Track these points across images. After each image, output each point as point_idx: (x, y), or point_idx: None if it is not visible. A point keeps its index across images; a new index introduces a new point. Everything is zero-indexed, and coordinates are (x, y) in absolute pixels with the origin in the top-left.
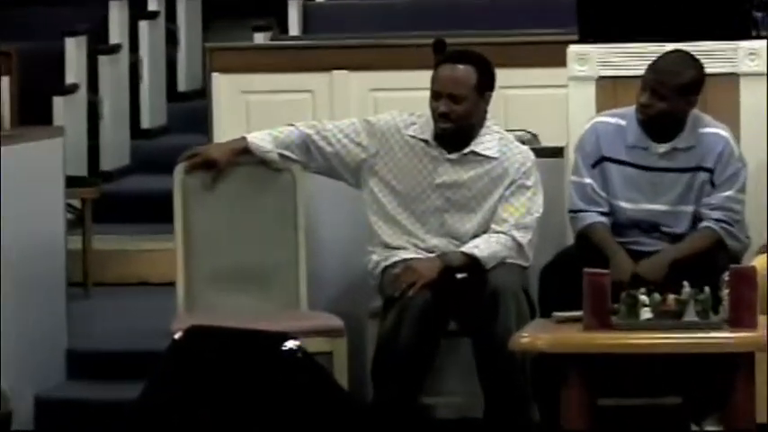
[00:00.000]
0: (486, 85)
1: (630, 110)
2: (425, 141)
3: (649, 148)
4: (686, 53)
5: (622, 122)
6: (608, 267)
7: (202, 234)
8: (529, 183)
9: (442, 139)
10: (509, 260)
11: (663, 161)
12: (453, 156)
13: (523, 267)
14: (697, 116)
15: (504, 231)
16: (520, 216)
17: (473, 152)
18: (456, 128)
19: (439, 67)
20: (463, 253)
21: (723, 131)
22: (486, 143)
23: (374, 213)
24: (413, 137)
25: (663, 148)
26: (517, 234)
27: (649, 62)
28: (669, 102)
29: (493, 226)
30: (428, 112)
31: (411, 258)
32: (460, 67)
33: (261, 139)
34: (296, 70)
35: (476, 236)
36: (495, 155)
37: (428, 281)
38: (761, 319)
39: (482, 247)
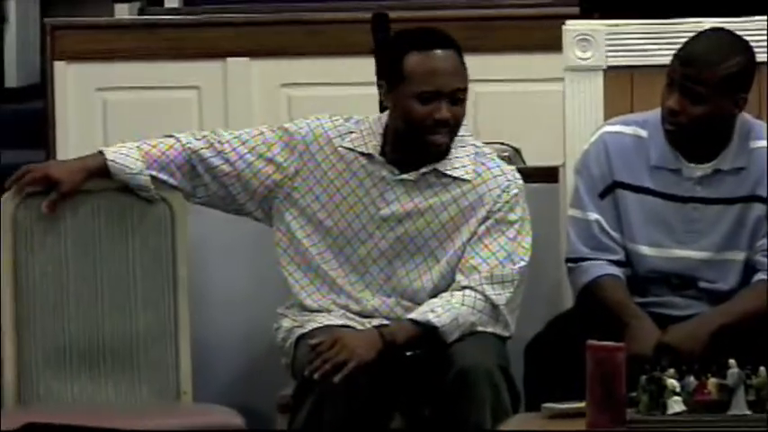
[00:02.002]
0: (467, 71)
1: (654, 115)
2: (368, 156)
3: (682, 171)
4: (730, 33)
5: (643, 133)
6: (622, 339)
7: (40, 293)
8: (512, 216)
9: (398, 153)
10: (480, 328)
11: (701, 189)
12: (409, 176)
13: (501, 339)
14: (747, 124)
15: (473, 286)
16: (496, 264)
17: (437, 171)
18: (450, 142)
19: (421, 56)
20: (413, 321)
21: None
22: (456, 160)
23: (290, 261)
24: (350, 149)
25: (701, 170)
26: (491, 291)
27: (678, 47)
28: (708, 105)
29: (458, 278)
30: (372, 117)
31: (338, 326)
32: (452, 52)
33: (125, 156)
34: (175, 58)
35: (435, 294)
36: (469, 176)
37: (362, 362)
38: None
39: (440, 312)
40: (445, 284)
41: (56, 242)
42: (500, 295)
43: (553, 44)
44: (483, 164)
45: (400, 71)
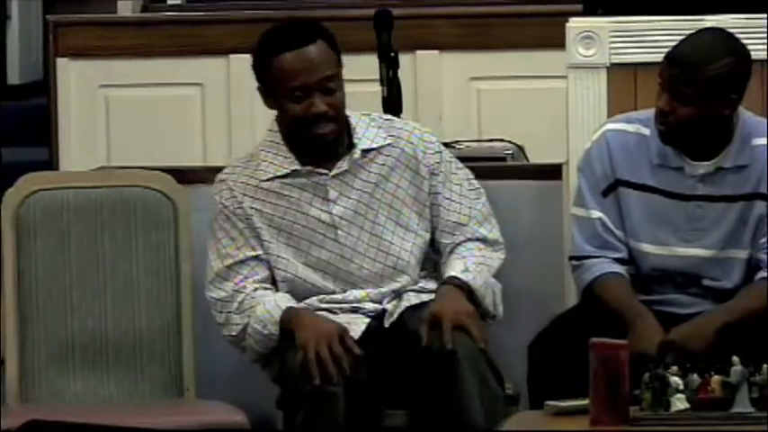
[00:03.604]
0: (339, 57)
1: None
2: (291, 174)
3: (684, 169)
4: (721, 34)
5: (645, 131)
6: (625, 336)
7: (43, 290)
8: (450, 160)
9: (309, 152)
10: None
11: (704, 186)
12: (338, 168)
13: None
14: (750, 122)
15: (470, 238)
16: (472, 209)
17: (361, 151)
18: (338, 129)
19: (284, 56)
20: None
21: None
22: (368, 134)
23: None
24: (271, 179)
25: (703, 167)
26: (486, 231)
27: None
28: (697, 106)
29: (446, 239)
30: (261, 140)
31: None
32: (314, 45)
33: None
34: (178, 54)
35: (421, 260)
36: (389, 140)
37: (341, 332)
38: None
39: (473, 271)
40: (425, 246)
41: (58, 239)
42: (493, 228)
43: (556, 41)
44: (391, 126)
45: (269, 76)
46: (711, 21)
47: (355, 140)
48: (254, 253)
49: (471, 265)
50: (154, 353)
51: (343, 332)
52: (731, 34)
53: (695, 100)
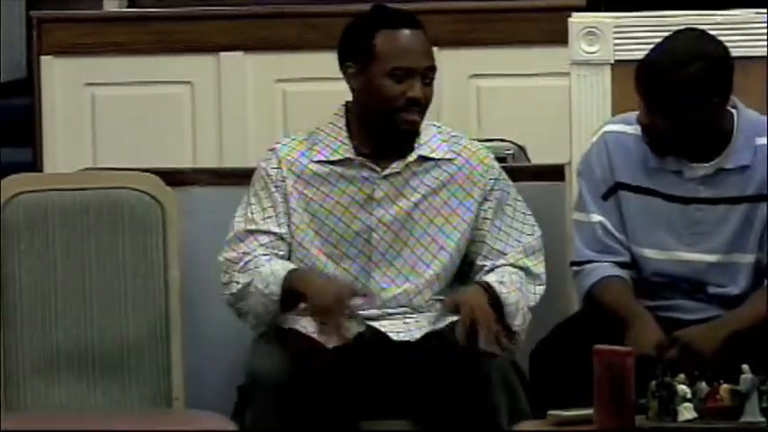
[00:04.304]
0: None
1: None
2: (344, 162)
3: (683, 172)
4: (695, 34)
5: None
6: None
7: (27, 296)
8: (512, 190)
9: (371, 145)
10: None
11: (705, 188)
12: (392, 169)
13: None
14: (752, 120)
15: (513, 263)
16: (521, 242)
17: (419, 157)
18: (421, 123)
19: (392, 34)
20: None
21: None
22: (431, 142)
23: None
24: (323, 162)
25: (703, 169)
26: (529, 262)
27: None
28: (674, 115)
29: (484, 263)
30: (326, 124)
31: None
32: (420, 32)
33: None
34: (166, 52)
35: (443, 282)
36: (449, 155)
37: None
38: None
39: (508, 283)
40: (453, 269)
41: (43, 243)
42: (539, 264)
43: (559, 37)
44: (456, 142)
45: (370, 50)
46: (719, 16)
47: (416, 145)
48: (279, 230)
49: (508, 281)
50: (141, 361)
51: (352, 292)
52: (705, 35)
53: (669, 109)
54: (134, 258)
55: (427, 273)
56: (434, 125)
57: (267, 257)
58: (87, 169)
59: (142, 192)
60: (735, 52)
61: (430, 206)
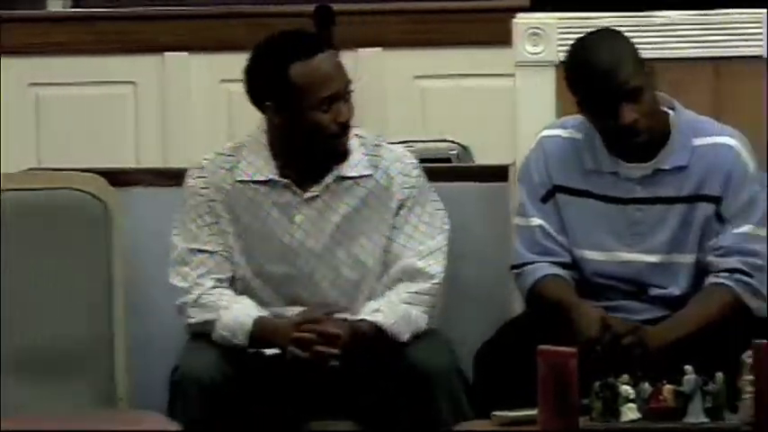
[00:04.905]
0: None
1: None
2: (267, 183)
3: (619, 173)
4: (616, 31)
5: (578, 136)
6: (574, 342)
7: None
8: (422, 198)
9: (297, 168)
10: (426, 319)
11: (642, 189)
12: (312, 192)
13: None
14: (690, 121)
15: (406, 269)
16: (421, 244)
17: (338, 177)
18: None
19: (307, 64)
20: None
21: (731, 139)
22: (351, 158)
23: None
24: (246, 182)
25: (641, 170)
26: (423, 263)
27: (633, 40)
28: (645, 100)
29: (389, 271)
30: (247, 138)
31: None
32: (327, 53)
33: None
34: (111, 52)
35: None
36: (368, 171)
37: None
38: None
39: (386, 312)
40: (382, 287)
41: None
42: (434, 264)
43: (503, 38)
44: (376, 153)
45: (288, 86)
46: (661, 17)
47: (334, 166)
48: (217, 249)
49: (385, 306)
50: (85, 361)
51: (319, 327)
52: (619, 32)
53: (640, 95)
54: (78, 258)
55: (354, 293)
56: (358, 135)
57: (217, 290)
58: (31, 169)
59: (86, 192)
60: (676, 54)
61: (351, 225)
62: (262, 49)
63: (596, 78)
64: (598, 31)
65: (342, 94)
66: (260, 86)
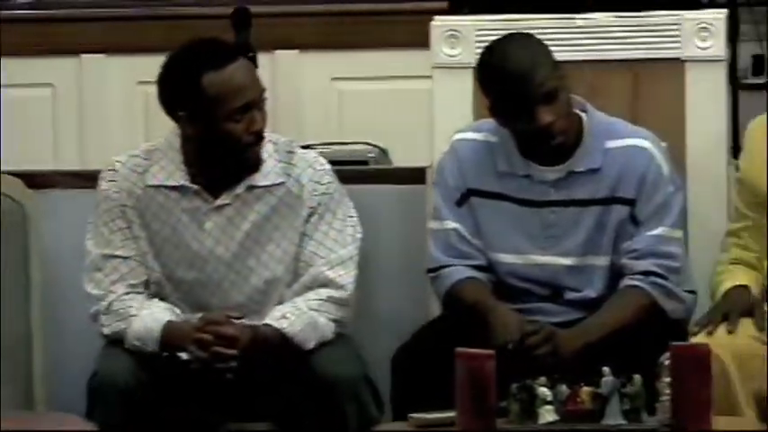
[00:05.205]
0: None
1: None
2: (178, 188)
3: (533, 175)
4: (528, 34)
5: (493, 139)
6: (491, 344)
7: None
8: (333, 204)
9: (208, 175)
10: (335, 327)
11: (556, 192)
12: (223, 200)
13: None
14: (603, 123)
15: (316, 278)
16: (332, 251)
17: (249, 186)
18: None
19: (219, 74)
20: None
21: (644, 141)
22: (263, 166)
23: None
24: (158, 186)
25: (554, 173)
26: (334, 274)
27: (551, 43)
28: (560, 100)
29: (299, 279)
30: (160, 142)
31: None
32: (239, 62)
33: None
34: (28, 54)
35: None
36: (280, 179)
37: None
38: (718, 421)
39: (292, 319)
40: (291, 294)
41: None
42: (345, 275)
43: (421, 41)
44: (289, 161)
45: (201, 97)
46: (580, 20)
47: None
48: (130, 254)
49: (291, 312)
50: (3, 364)
51: (219, 328)
52: (533, 36)
53: (555, 97)
54: None
55: (263, 300)
56: (271, 141)
57: (129, 296)
58: None
59: (3, 194)
60: (595, 56)
61: (262, 234)
62: (174, 59)
63: (512, 81)
64: (511, 35)
65: (256, 102)
66: (173, 97)
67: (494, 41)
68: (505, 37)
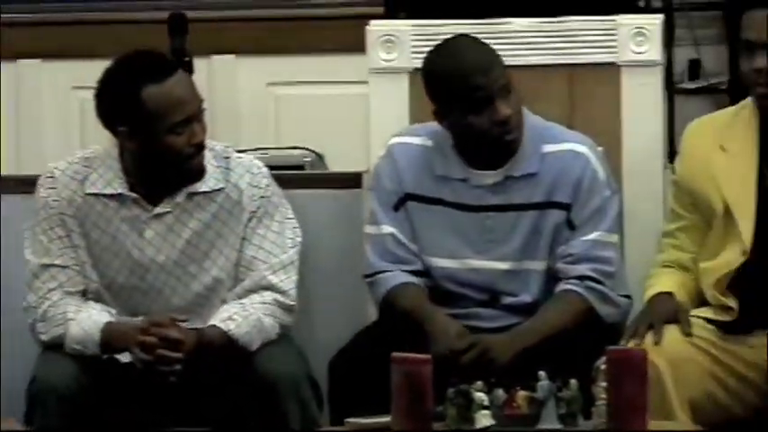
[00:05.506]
0: None
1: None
2: (117, 197)
3: (470, 179)
4: (471, 37)
5: (429, 143)
6: (427, 349)
7: None
8: (271, 208)
9: (148, 185)
10: (278, 329)
11: (493, 196)
12: (162, 208)
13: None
14: (538, 127)
15: (259, 283)
16: (272, 255)
17: (189, 194)
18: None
19: (159, 88)
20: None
21: (580, 146)
22: (202, 176)
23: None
24: (96, 195)
25: (492, 177)
26: (276, 279)
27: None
28: (512, 96)
29: (241, 283)
30: (99, 148)
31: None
32: (179, 75)
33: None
34: None
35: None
36: (220, 184)
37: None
38: (655, 425)
39: (239, 321)
40: (233, 297)
41: None
42: (287, 279)
43: (357, 45)
44: (227, 166)
45: (141, 111)
46: (517, 24)
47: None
48: (69, 263)
49: (238, 314)
50: None
51: (163, 331)
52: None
53: (510, 92)
54: None
55: (205, 304)
56: (209, 148)
57: (63, 301)
58: None
59: None
60: (531, 61)
61: (203, 240)
62: (112, 73)
63: (472, 76)
64: (455, 36)
65: (196, 115)
66: (112, 111)
67: (439, 44)
68: (450, 39)
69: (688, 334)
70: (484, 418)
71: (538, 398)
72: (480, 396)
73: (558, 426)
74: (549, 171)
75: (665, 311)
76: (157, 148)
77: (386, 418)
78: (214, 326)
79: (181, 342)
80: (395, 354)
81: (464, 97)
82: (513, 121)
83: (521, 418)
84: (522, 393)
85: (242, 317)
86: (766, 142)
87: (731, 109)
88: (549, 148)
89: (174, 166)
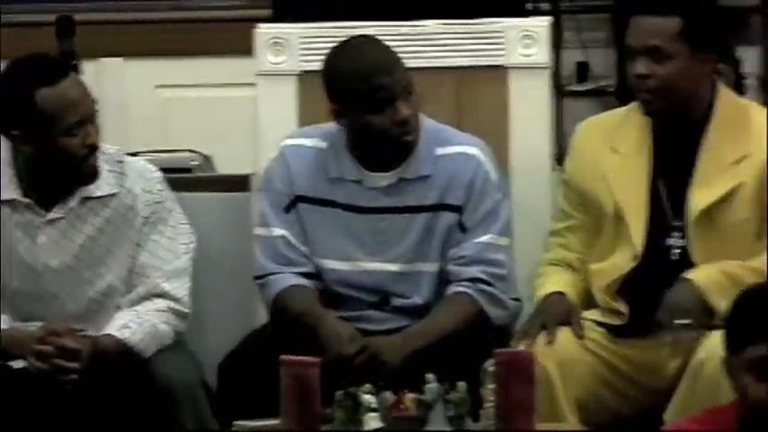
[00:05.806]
0: None
1: (338, 126)
2: (9, 202)
3: (363, 181)
4: (372, 38)
5: (323, 145)
6: (316, 351)
7: None
8: (164, 213)
9: (43, 189)
10: (173, 335)
11: (386, 198)
12: (56, 213)
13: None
14: (432, 130)
15: (152, 292)
16: (165, 262)
17: (84, 199)
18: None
19: (52, 90)
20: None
21: (472, 148)
22: (96, 180)
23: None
24: None
25: (385, 179)
26: (169, 286)
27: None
28: (413, 98)
29: (136, 289)
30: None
31: None
32: (72, 78)
33: None
34: None
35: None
36: (114, 189)
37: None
38: (543, 427)
39: (134, 328)
40: (127, 303)
41: None
42: (180, 287)
43: (246, 48)
44: (120, 171)
45: (36, 115)
46: (406, 27)
47: (80, 188)
48: None
49: (133, 321)
50: None
51: (60, 340)
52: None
53: (411, 93)
54: None
55: (100, 310)
56: (101, 152)
57: None
58: None
59: None
60: (423, 63)
61: (97, 245)
62: (4, 78)
63: (376, 76)
64: (355, 37)
65: (89, 116)
66: (6, 115)
67: (341, 43)
68: (353, 38)
69: (580, 336)
70: (372, 421)
71: (426, 400)
72: (368, 398)
73: (446, 428)
74: (442, 173)
75: (557, 312)
76: (52, 151)
77: (275, 421)
78: (109, 335)
79: (78, 352)
80: (283, 356)
81: (367, 97)
82: (412, 123)
83: (409, 420)
84: (410, 396)
85: (137, 324)
86: (659, 145)
87: (621, 110)
88: (441, 150)
89: (69, 168)
